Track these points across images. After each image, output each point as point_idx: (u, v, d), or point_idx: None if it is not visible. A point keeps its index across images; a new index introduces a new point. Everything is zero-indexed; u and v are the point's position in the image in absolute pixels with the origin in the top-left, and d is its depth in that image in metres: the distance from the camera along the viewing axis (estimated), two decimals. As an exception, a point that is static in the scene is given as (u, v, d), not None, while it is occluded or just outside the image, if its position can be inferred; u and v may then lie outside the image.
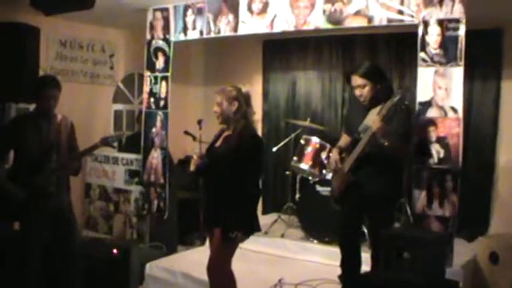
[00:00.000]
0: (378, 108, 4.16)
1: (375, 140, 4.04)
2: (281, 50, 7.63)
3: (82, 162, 4.96)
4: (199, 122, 6.11)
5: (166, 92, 6.18)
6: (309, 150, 6.15)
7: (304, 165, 6.12)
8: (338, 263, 4.51)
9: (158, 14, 6.16)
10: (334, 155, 4.48)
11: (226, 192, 3.82)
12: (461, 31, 4.35)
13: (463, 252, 5.11)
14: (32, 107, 4.69)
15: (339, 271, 4.51)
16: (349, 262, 4.44)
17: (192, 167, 3.96)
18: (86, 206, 6.92)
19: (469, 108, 6.10)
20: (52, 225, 4.44)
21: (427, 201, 4.50)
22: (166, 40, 6.15)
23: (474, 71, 6.08)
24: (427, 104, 4.54)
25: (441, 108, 4.48)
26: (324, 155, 6.08)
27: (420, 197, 4.54)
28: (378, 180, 4.15)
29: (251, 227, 3.92)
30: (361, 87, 4.21)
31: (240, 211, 3.80)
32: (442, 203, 4.45)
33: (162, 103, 6.21)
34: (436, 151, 4.48)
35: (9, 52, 4.87)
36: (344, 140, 4.58)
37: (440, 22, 4.44)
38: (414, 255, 3.61)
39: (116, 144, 5.34)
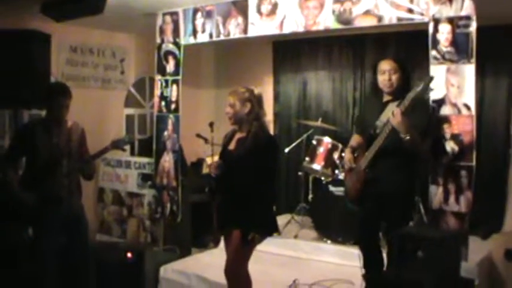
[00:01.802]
0: (396, 103, 4.10)
1: (394, 134, 3.96)
2: (291, 51, 7.64)
3: (95, 166, 4.98)
4: (211, 125, 6.11)
5: (177, 95, 6.19)
6: (321, 150, 6.15)
7: (317, 166, 6.12)
8: (352, 263, 4.50)
9: (168, 18, 6.17)
10: (348, 154, 4.43)
11: (244, 194, 3.82)
12: (472, 28, 4.31)
13: (477, 249, 5.07)
14: (44, 113, 4.72)
15: (353, 271, 4.48)
16: (372, 261, 4.36)
17: (205, 170, 3.97)
18: (99, 211, 6.95)
19: (481, 105, 6.08)
20: (65, 229, 4.46)
21: (444, 197, 4.48)
22: (176, 43, 6.16)
23: (486, 68, 6.05)
24: (441, 102, 4.51)
25: (454, 105, 4.44)
26: (336, 155, 6.07)
27: (437, 193, 4.51)
28: (395, 175, 4.09)
29: (271, 228, 3.97)
30: (391, 72, 4.15)
31: (259, 213, 3.83)
32: (458, 199, 4.42)
33: (173, 106, 6.22)
34: (451, 148, 4.45)
35: (21, 59, 4.89)
36: (355, 139, 4.52)
37: (451, 20, 4.39)
38: (428, 254, 3.58)
39: (126, 147, 5.35)
